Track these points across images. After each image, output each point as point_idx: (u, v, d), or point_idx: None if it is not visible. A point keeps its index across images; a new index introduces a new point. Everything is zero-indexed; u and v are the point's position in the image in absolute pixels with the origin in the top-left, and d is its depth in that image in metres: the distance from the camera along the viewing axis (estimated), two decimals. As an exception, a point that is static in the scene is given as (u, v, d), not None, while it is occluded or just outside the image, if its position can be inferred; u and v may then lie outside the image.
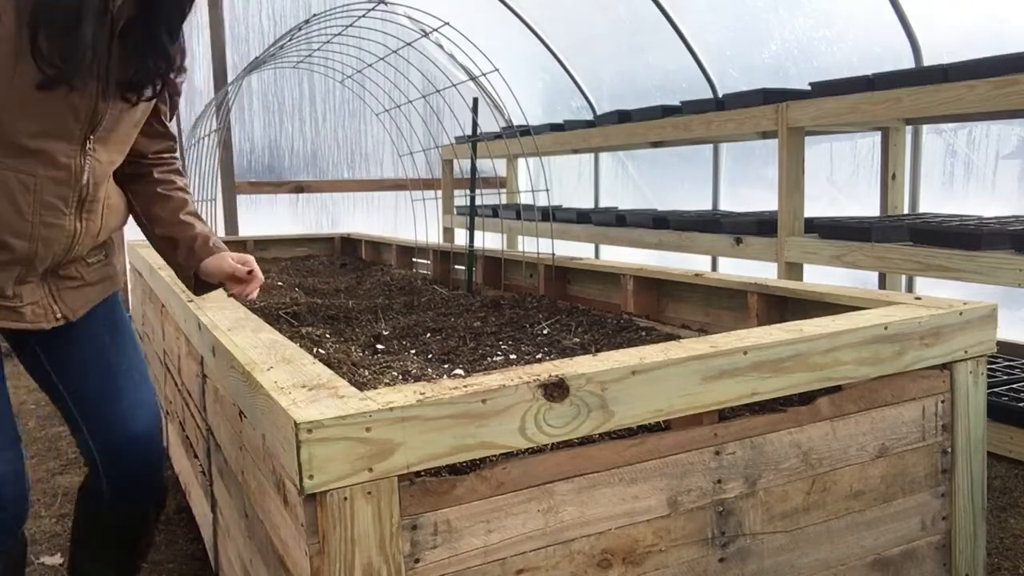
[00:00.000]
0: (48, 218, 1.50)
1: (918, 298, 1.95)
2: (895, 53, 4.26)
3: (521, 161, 6.57)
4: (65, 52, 1.37)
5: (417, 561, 1.28)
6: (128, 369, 1.76)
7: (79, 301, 1.66)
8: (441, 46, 3.33)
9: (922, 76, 3.25)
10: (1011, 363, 3.68)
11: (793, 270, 3.67)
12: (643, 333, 2.53)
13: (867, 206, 4.52)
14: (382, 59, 4.09)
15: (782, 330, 1.66)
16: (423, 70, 5.44)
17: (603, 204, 6.58)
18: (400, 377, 2.05)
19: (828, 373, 1.63)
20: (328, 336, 2.60)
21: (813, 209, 3.99)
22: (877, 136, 4.33)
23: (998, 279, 2.80)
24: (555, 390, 1.34)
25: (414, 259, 4.67)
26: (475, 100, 3.71)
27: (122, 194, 1.75)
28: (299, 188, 6.86)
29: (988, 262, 2.81)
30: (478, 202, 4.17)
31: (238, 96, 6.37)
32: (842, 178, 4.98)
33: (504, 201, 6.95)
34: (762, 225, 3.82)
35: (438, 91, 4.21)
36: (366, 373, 2.07)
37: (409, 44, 3.74)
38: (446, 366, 2.23)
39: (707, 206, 5.58)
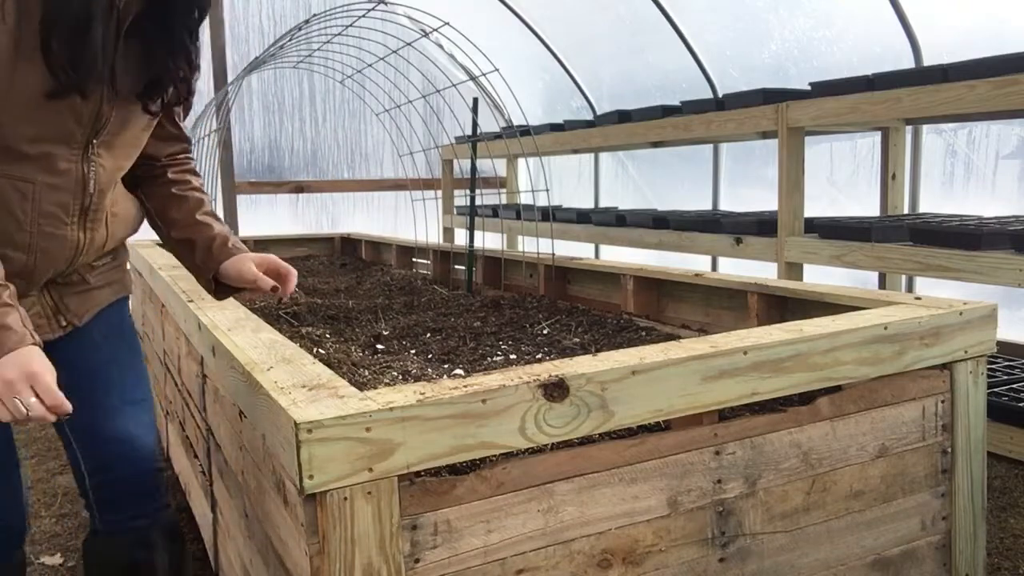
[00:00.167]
0: (48, 228, 1.40)
1: (918, 298, 1.95)
2: (895, 53, 4.26)
3: (521, 161, 6.57)
4: (75, 57, 1.30)
5: (417, 561, 1.28)
6: (127, 383, 1.65)
7: (85, 306, 1.57)
8: (441, 46, 3.33)
9: (922, 76, 3.25)
10: (1011, 363, 3.68)
11: (793, 270, 3.67)
12: (643, 333, 2.53)
13: (867, 206, 4.52)
14: (382, 59, 4.09)
15: (782, 330, 1.66)
16: (423, 70, 5.44)
17: (603, 204, 6.58)
18: (400, 377, 2.05)
19: (828, 373, 1.63)
20: (328, 336, 2.60)
21: (813, 209, 3.99)
22: (877, 136, 4.33)
23: (998, 279, 2.80)
24: (555, 390, 1.34)
25: (414, 259, 4.67)
26: (475, 100, 3.71)
27: (132, 201, 1.65)
28: (299, 188, 6.86)
29: (988, 262, 2.81)
30: (478, 202, 4.17)
31: (238, 96, 6.37)
32: (842, 178, 4.98)
33: (504, 201, 6.95)
34: (762, 225, 3.82)
35: (438, 91, 4.21)
36: (366, 373, 2.07)
37: (409, 44, 3.74)
38: (446, 366, 2.23)
39: (707, 206, 5.58)
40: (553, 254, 3.32)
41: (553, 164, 6.79)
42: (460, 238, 6.09)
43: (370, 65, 4.34)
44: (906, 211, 4.19)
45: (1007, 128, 4.14)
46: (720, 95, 4.99)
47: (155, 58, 1.46)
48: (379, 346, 2.50)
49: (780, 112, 3.69)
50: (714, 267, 5.39)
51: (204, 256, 1.65)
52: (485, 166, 5.10)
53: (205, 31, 6.13)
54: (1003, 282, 2.79)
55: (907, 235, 3.23)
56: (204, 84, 6.34)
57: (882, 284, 3.96)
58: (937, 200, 4.31)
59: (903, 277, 3.98)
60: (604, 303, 3.06)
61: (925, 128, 4.28)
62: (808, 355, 1.60)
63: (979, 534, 1.88)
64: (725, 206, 5.52)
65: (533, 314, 2.92)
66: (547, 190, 3.93)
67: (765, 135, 4.37)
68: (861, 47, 4.51)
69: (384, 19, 3.68)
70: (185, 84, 1.55)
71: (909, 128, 4.18)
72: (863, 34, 4.48)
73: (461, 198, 6.79)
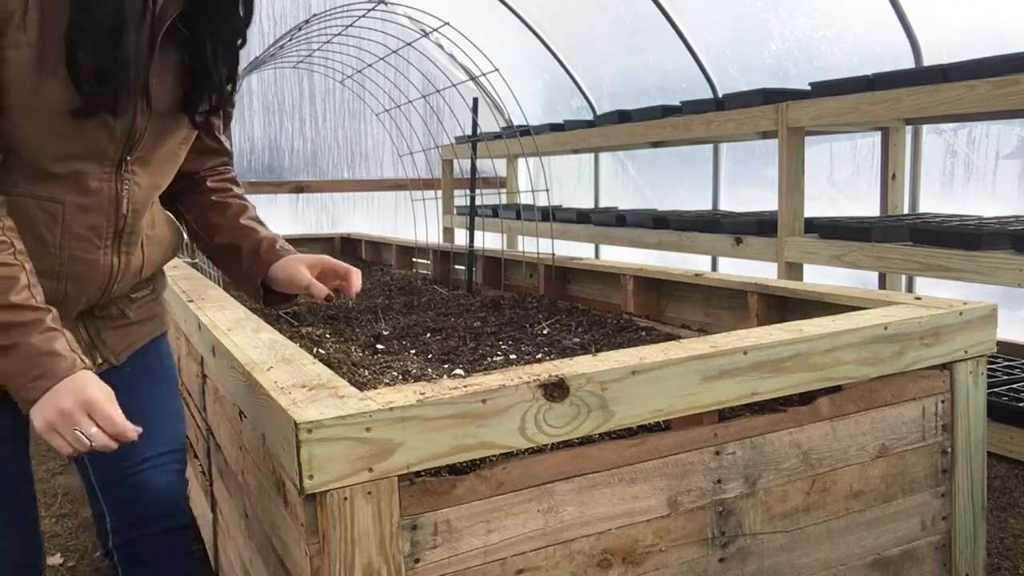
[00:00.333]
0: (79, 252, 1.28)
1: (918, 298, 1.95)
2: (895, 53, 4.26)
3: (521, 161, 6.57)
4: (104, 69, 1.18)
5: (417, 561, 1.28)
6: (161, 431, 1.50)
7: (123, 343, 1.44)
8: (441, 46, 3.33)
9: (922, 76, 3.25)
10: (1011, 363, 3.68)
11: (793, 270, 3.67)
12: (643, 333, 2.53)
13: (867, 206, 4.52)
14: (382, 59, 4.09)
15: (782, 330, 1.66)
16: (423, 70, 5.44)
17: (603, 204, 6.58)
18: (400, 377, 2.05)
19: (828, 373, 1.63)
20: (328, 336, 2.60)
21: (813, 209, 3.99)
22: (877, 136, 4.33)
23: (998, 279, 2.80)
24: (555, 390, 1.34)
25: (414, 259, 4.67)
26: (475, 100, 3.71)
27: (170, 223, 1.53)
28: (299, 188, 6.86)
29: (988, 262, 2.81)
30: (478, 202, 4.17)
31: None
32: (842, 178, 4.98)
33: (504, 201, 6.95)
34: (762, 225, 3.82)
35: (438, 91, 4.21)
36: (366, 373, 2.07)
37: (409, 44, 3.74)
38: (446, 366, 2.23)
39: (707, 206, 5.58)
40: (553, 254, 3.32)
41: (553, 164, 6.79)
42: (460, 238, 6.09)
43: (370, 65, 4.34)
44: (906, 211, 4.19)
45: (1007, 128, 4.14)
46: (720, 95, 4.99)
47: (195, 65, 1.34)
48: (379, 346, 2.50)
49: (780, 112, 3.69)
50: (714, 267, 5.39)
51: (251, 261, 1.52)
52: (485, 166, 5.10)
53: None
54: (1003, 282, 2.79)
55: (907, 235, 3.23)
56: (204, 84, 6.36)
57: (882, 284, 3.96)
58: (937, 200, 4.31)
59: (903, 277, 3.98)
60: (604, 303, 3.06)
61: (925, 128, 4.28)
62: (808, 355, 1.60)
63: (979, 534, 1.88)
64: (725, 206, 5.52)
65: (533, 314, 2.92)
66: (547, 190, 3.93)
67: (765, 135, 4.37)
68: (861, 47, 4.51)
69: (384, 19, 3.68)
70: (225, 93, 1.43)
71: (909, 128, 4.18)
72: (863, 34, 4.48)
73: (461, 198, 6.79)
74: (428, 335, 2.66)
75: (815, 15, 4.66)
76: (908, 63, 4.22)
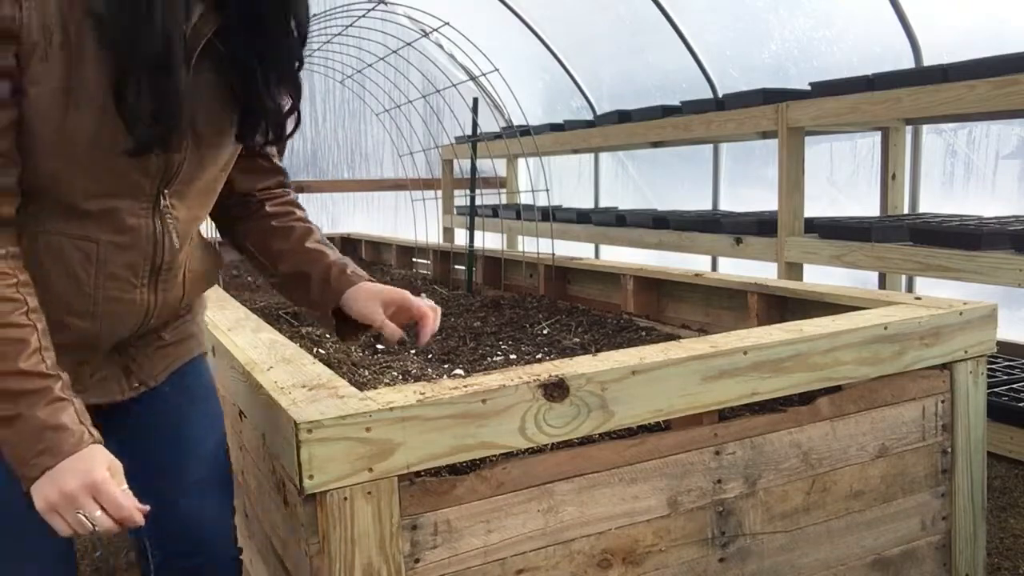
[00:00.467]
0: (114, 292, 1.19)
1: (918, 298, 1.95)
2: (895, 53, 4.26)
3: (521, 161, 6.57)
4: (160, 106, 1.08)
5: (417, 561, 1.28)
6: (208, 453, 1.41)
7: (160, 364, 1.35)
8: (441, 46, 3.33)
9: (922, 76, 3.25)
10: (1011, 363, 3.68)
11: (793, 270, 3.67)
12: (643, 333, 2.53)
13: (867, 206, 4.51)
14: (382, 59, 4.09)
15: (782, 330, 1.66)
16: (423, 70, 5.44)
17: (603, 204, 6.58)
18: (400, 377, 2.06)
19: (828, 373, 1.63)
20: (328, 336, 2.60)
21: (813, 209, 3.98)
22: (877, 136, 4.33)
23: (998, 279, 2.80)
24: (555, 390, 1.34)
25: (414, 259, 4.67)
26: (475, 100, 3.71)
27: (209, 253, 1.42)
28: (299, 188, 6.85)
29: (988, 262, 2.81)
30: (478, 202, 4.17)
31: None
32: (842, 178, 4.98)
33: (504, 201, 6.95)
34: (762, 225, 3.82)
35: (438, 91, 4.21)
36: (366, 373, 2.07)
37: (409, 44, 3.74)
38: (446, 366, 2.23)
39: (707, 206, 5.58)
40: (553, 254, 3.32)
41: (553, 164, 6.78)
42: (460, 238, 6.09)
43: (370, 65, 4.34)
44: (906, 211, 4.19)
45: (1007, 128, 4.14)
46: (720, 95, 4.99)
47: (246, 94, 1.21)
48: (379, 346, 2.50)
49: (780, 112, 3.69)
50: (714, 267, 5.39)
51: (320, 289, 1.38)
52: (485, 166, 5.10)
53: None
54: (1003, 282, 2.79)
55: (907, 235, 3.23)
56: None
57: (882, 284, 3.96)
58: (937, 200, 4.31)
59: (903, 277, 3.98)
60: (604, 303, 3.06)
61: (925, 128, 4.28)
62: (808, 355, 1.60)
63: (979, 534, 1.88)
64: (725, 206, 5.52)
65: (533, 314, 2.92)
66: (547, 190, 3.93)
67: (765, 135, 4.37)
68: (861, 47, 4.51)
69: (384, 19, 3.68)
70: (287, 124, 1.29)
71: (909, 128, 4.18)
72: (863, 34, 4.47)
73: (461, 198, 6.79)
74: (428, 335, 2.66)
75: (815, 15, 4.66)
76: (908, 63, 4.22)
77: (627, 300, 2.88)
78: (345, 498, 1.21)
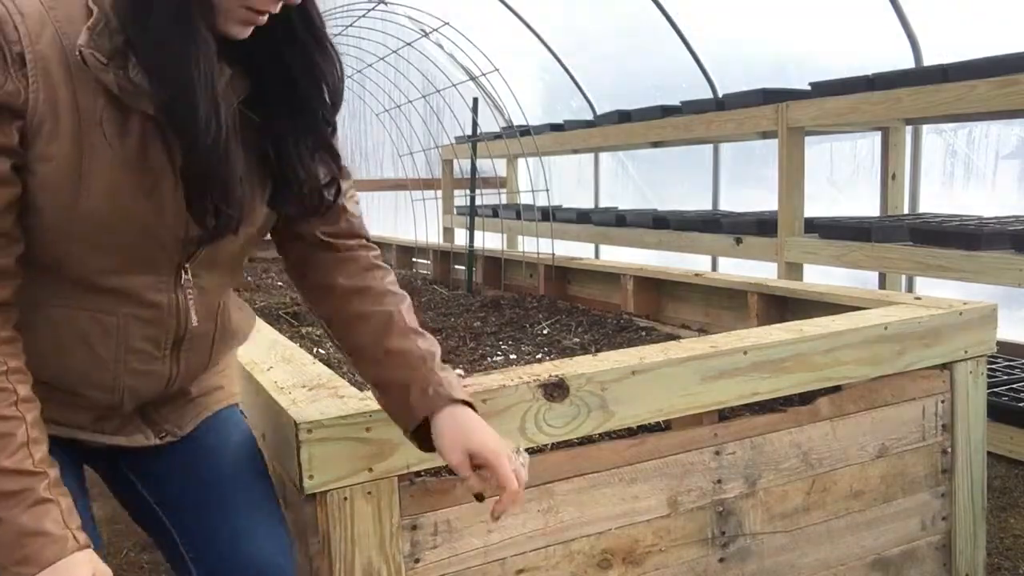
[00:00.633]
0: (135, 364, 1.11)
1: (918, 298, 1.95)
2: (895, 53, 4.26)
3: (521, 161, 6.57)
4: (226, 193, 1.01)
5: (417, 561, 1.28)
6: (257, 492, 1.26)
7: (187, 416, 1.25)
8: (441, 46, 3.34)
9: (922, 76, 3.25)
10: (1011, 363, 3.67)
11: (793, 270, 3.66)
12: (643, 333, 2.53)
13: (867, 206, 4.51)
14: (382, 59, 4.09)
15: (782, 330, 1.66)
16: (423, 70, 5.44)
17: (603, 204, 6.58)
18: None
19: (828, 373, 1.63)
20: (328, 336, 2.60)
21: (813, 209, 3.98)
22: (877, 136, 4.33)
23: (998, 279, 2.80)
24: (555, 390, 1.34)
25: (414, 259, 4.67)
26: (475, 100, 3.71)
27: (241, 311, 1.30)
28: (299, 188, 6.84)
29: (988, 262, 2.81)
30: (478, 202, 4.17)
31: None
32: (842, 178, 4.98)
33: (504, 201, 6.95)
34: (762, 225, 3.82)
35: (438, 91, 4.21)
36: (366, 373, 2.07)
37: (409, 44, 3.74)
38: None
39: (707, 206, 5.58)
40: (553, 254, 3.32)
41: (553, 164, 6.78)
42: (460, 238, 6.09)
43: (370, 65, 4.34)
44: (906, 211, 4.19)
45: (1007, 128, 4.14)
46: (720, 95, 4.99)
47: (279, 161, 1.12)
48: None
49: (780, 112, 3.69)
50: (714, 267, 5.39)
51: (399, 408, 1.18)
52: (485, 166, 5.10)
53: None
54: (1003, 282, 2.79)
55: (907, 235, 3.23)
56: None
57: (882, 284, 3.96)
58: (937, 200, 4.31)
59: (903, 277, 3.98)
60: (604, 303, 3.06)
61: (925, 128, 4.28)
62: (808, 355, 1.60)
63: (979, 534, 1.88)
64: (725, 206, 5.52)
65: (533, 314, 2.92)
66: (547, 190, 3.93)
67: (765, 135, 4.37)
68: (861, 47, 4.51)
69: (384, 19, 3.68)
70: (328, 194, 1.16)
71: (909, 128, 4.18)
72: (863, 34, 4.48)
73: (461, 198, 6.79)
74: (428, 335, 2.66)
75: (815, 15, 4.66)
76: (908, 63, 4.22)
77: (627, 300, 2.88)
78: (345, 498, 1.21)
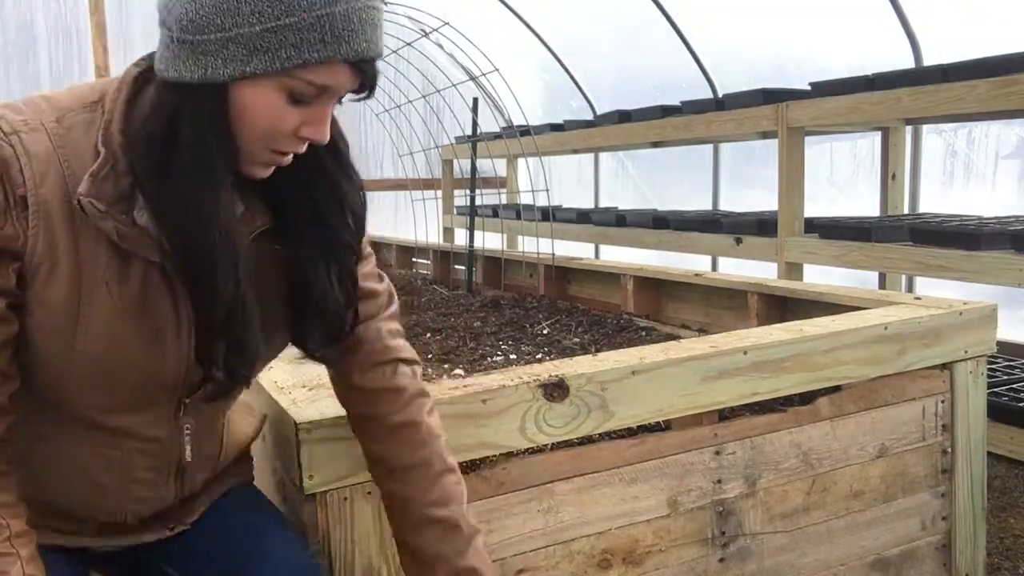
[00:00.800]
0: (139, 492, 1.08)
1: (918, 298, 1.95)
2: (895, 53, 4.26)
3: (521, 161, 6.57)
4: (238, 349, 0.99)
5: (417, 561, 1.28)
6: (292, 548, 1.19)
7: (195, 505, 1.19)
8: (441, 46, 3.34)
9: (922, 76, 3.25)
10: (1011, 363, 3.68)
11: (793, 270, 3.66)
12: (643, 333, 2.53)
13: (867, 206, 4.52)
14: (382, 59, 4.09)
15: (782, 330, 1.66)
16: (423, 70, 5.43)
17: (603, 204, 6.58)
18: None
19: (828, 373, 1.63)
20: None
21: (813, 209, 3.98)
22: (877, 136, 4.33)
23: (998, 279, 2.79)
24: (555, 390, 1.34)
25: (414, 259, 4.67)
26: (475, 100, 3.71)
27: (246, 415, 1.26)
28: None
29: (988, 262, 2.81)
30: (478, 202, 4.17)
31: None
32: (842, 178, 4.98)
33: (504, 201, 6.95)
34: (762, 225, 3.82)
35: (438, 91, 4.21)
36: (366, 373, 2.07)
37: (409, 44, 3.74)
38: (446, 366, 2.23)
39: (707, 206, 5.58)
40: (553, 254, 3.32)
41: (553, 164, 6.78)
42: (460, 238, 6.09)
43: (370, 65, 4.34)
44: (906, 211, 4.19)
45: (1007, 128, 4.14)
46: (720, 95, 4.99)
47: (300, 290, 1.07)
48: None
49: (780, 112, 3.69)
50: (714, 267, 5.39)
51: None
52: (485, 166, 5.10)
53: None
54: (1003, 282, 2.79)
55: (907, 235, 3.23)
56: (204, 84, 6.35)
57: (882, 284, 3.96)
58: (937, 200, 4.31)
59: (903, 277, 3.98)
60: (604, 303, 3.06)
61: (925, 128, 4.28)
62: (808, 355, 1.60)
63: (979, 534, 1.88)
64: (725, 206, 5.52)
65: (533, 314, 2.92)
66: (547, 190, 3.92)
67: (765, 135, 4.37)
68: (861, 47, 4.51)
69: (384, 19, 3.68)
70: (347, 319, 1.10)
71: (909, 128, 4.18)
72: (863, 34, 4.48)
73: (461, 198, 6.79)
74: (428, 335, 2.66)
75: (815, 15, 4.66)
76: (908, 63, 4.22)
77: (627, 300, 2.88)
78: (345, 498, 1.21)
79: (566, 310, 2.98)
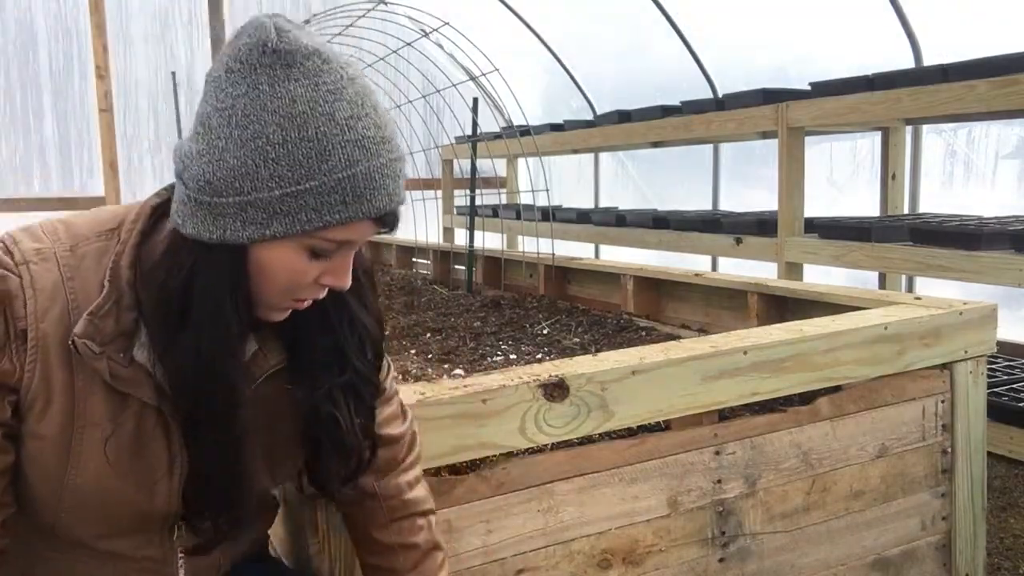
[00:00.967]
0: None
1: (918, 298, 1.95)
2: (895, 53, 4.26)
3: (521, 161, 6.57)
4: (230, 499, 0.97)
5: (417, 561, 1.28)
6: None
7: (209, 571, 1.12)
8: (441, 46, 3.34)
9: (922, 76, 3.25)
10: (1011, 363, 3.68)
11: (793, 270, 3.66)
12: (643, 333, 2.53)
13: (867, 206, 4.52)
14: (382, 59, 4.09)
15: (782, 330, 1.66)
16: (423, 70, 5.43)
17: (603, 204, 6.58)
18: (400, 377, 2.05)
19: (828, 373, 1.63)
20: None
21: (813, 209, 3.99)
22: (877, 136, 4.33)
23: (998, 279, 2.80)
24: (555, 390, 1.34)
25: (414, 259, 4.67)
26: (475, 100, 3.72)
27: (263, 511, 1.19)
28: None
29: (988, 262, 2.81)
30: (478, 202, 4.17)
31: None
32: (842, 178, 4.98)
33: (504, 201, 6.95)
34: (762, 225, 3.82)
35: (438, 91, 4.21)
36: (366, 373, 2.07)
37: (409, 44, 3.74)
38: (446, 366, 2.23)
39: (707, 206, 5.58)
40: (553, 254, 3.32)
41: (553, 164, 6.78)
42: (460, 238, 6.09)
43: (370, 65, 4.34)
44: (906, 211, 4.19)
45: (1007, 128, 4.14)
46: (720, 95, 4.99)
47: (316, 430, 1.03)
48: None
49: (780, 112, 3.69)
50: (714, 267, 5.39)
51: None
52: (485, 166, 5.10)
53: (206, 31, 6.13)
54: (1003, 282, 2.79)
55: (907, 235, 3.23)
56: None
57: (882, 284, 3.96)
58: (937, 200, 4.31)
59: (903, 277, 3.98)
60: (604, 303, 3.06)
61: (925, 128, 4.28)
62: (808, 355, 1.60)
63: (979, 534, 1.88)
64: (725, 206, 5.52)
65: (533, 314, 2.92)
66: (547, 190, 3.92)
67: (765, 135, 4.37)
68: (861, 47, 4.51)
69: (384, 19, 3.68)
70: (365, 455, 1.07)
71: (909, 128, 4.18)
72: (863, 34, 4.48)
73: (461, 198, 6.79)
74: (428, 335, 2.66)
75: (815, 15, 4.66)
76: (908, 63, 4.22)
77: (627, 300, 2.88)
78: (345, 498, 1.21)
79: (566, 310, 2.98)
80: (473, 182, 3.89)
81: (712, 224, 4.10)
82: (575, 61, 6.45)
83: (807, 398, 1.65)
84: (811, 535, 1.65)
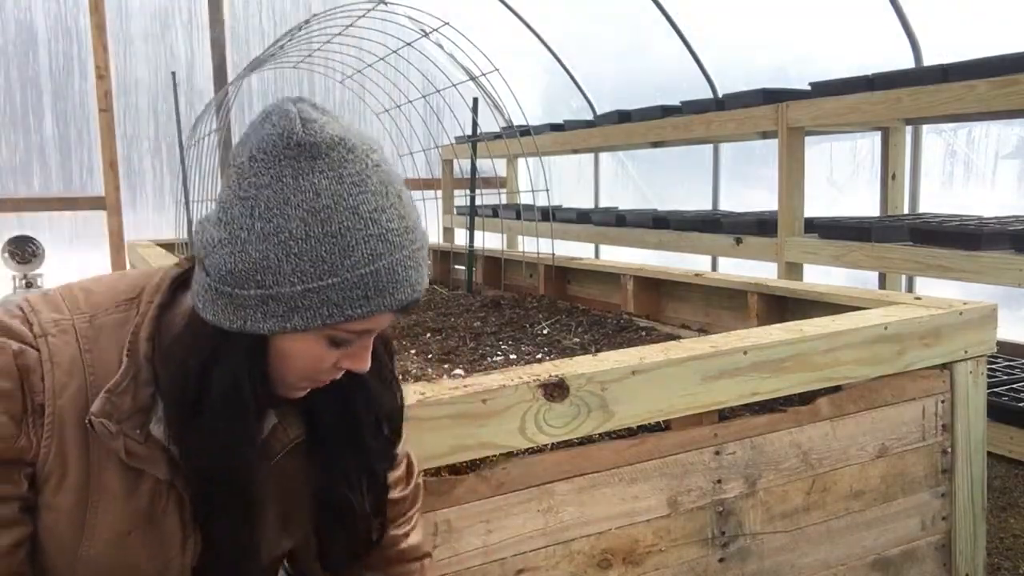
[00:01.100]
0: None
1: (918, 298, 1.95)
2: (895, 53, 4.26)
3: (521, 161, 6.57)
4: (241, 549, 0.96)
5: (417, 561, 1.28)
6: None
7: None
8: (441, 46, 3.33)
9: (922, 76, 3.25)
10: (1011, 363, 3.68)
11: (793, 270, 3.66)
12: (643, 333, 2.53)
13: (867, 206, 4.52)
14: (382, 59, 4.09)
15: (782, 330, 1.66)
16: (423, 70, 5.43)
17: (603, 204, 6.58)
18: (400, 377, 2.05)
19: (828, 373, 1.63)
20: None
21: (813, 209, 3.99)
22: (877, 136, 4.33)
23: (998, 279, 2.80)
24: (555, 390, 1.34)
25: (414, 259, 4.66)
26: (475, 100, 3.72)
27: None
28: (299, 188, 6.83)
29: (988, 262, 2.81)
30: (478, 202, 4.17)
31: (238, 96, 6.37)
32: (842, 178, 4.98)
33: (504, 201, 6.95)
34: (762, 225, 3.82)
35: (438, 91, 4.21)
36: (366, 373, 2.07)
37: (409, 44, 3.74)
38: (446, 366, 2.23)
39: (707, 206, 5.58)
40: (553, 254, 3.32)
41: (553, 164, 6.79)
42: (460, 238, 6.09)
43: (370, 65, 4.34)
44: (906, 211, 4.19)
45: (1007, 128, 4.14)
46: (720, 95, 4.99)
47: (326, 502, 1.04)
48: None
49: (780, 112, 3.69)
50: (714, 267, 5.39)
51: None
52: (485, 166, 5.10)
53: (205, 31, 6.13)
54: (1003, 282, 2.79)
55: (907, 235, 3.23)
56: (205, 84, 6.35)
57: (882, 284, 3.96)
58: (937, 200, 4.31)
59: (903, 277, 3.98)
60: (604, 303, 3.06)
61: (925, 128, 4.28)
62: (808, 355, 1.59)
63: (979, 534, 1.88)
64: (725, 206, 5.52)
65: (533, 314, 2.92)
66: (547, 190, 3.92)
67: (765, 135, 4.37)
68: (861, 47, 4.51)
69: (384, 19, 3.68)
70: (375, 530, 1.07)
71: (909, 128, 4.18)
72: (863, 34, 4.48)
73: (461, 198, 6.79)
74: (428, 335, 2.66)
75: (815, 15, 4.66)
76: (908, 63, 4.22)
77: (627, 300, 2.88)
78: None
79: (566, 310, 2.98)
80: (473, 182, 3.89)
81: (712, 224, 4.10)
82: (575, 61, 6.45)
83: (807, 398, 1.65)
84: (811, 535, 1.65)
